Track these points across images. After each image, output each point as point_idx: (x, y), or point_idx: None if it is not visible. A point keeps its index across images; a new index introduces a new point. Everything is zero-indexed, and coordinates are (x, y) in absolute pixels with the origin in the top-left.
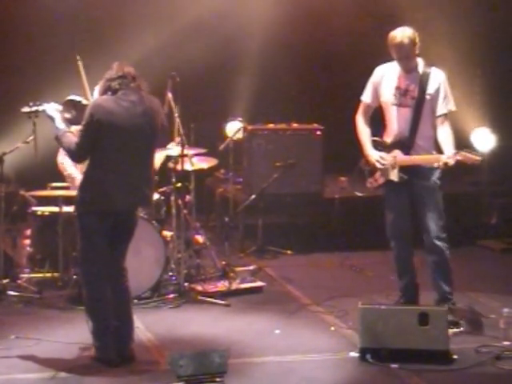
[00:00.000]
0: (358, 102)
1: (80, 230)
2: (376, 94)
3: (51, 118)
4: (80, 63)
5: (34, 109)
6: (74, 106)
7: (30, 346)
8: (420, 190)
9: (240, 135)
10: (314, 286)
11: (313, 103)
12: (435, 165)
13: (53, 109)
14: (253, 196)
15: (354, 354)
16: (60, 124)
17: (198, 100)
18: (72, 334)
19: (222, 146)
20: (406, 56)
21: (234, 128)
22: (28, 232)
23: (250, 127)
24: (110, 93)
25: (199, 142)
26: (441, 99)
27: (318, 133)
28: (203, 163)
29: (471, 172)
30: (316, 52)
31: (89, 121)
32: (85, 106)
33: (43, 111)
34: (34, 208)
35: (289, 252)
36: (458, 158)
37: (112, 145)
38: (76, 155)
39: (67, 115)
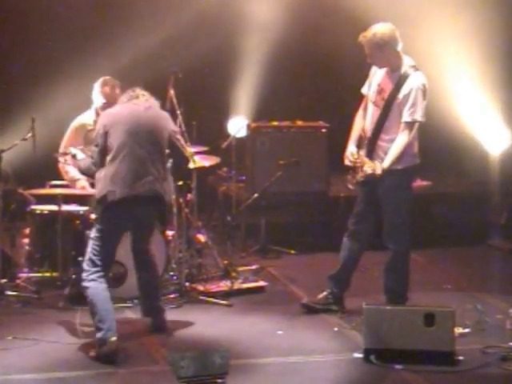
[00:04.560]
0: (362, 99)
1: (94, 229)
2: (370, 87)
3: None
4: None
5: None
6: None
7: (28, 346)
8: (381, 193)
9: (243, 133)
10: (317, 286)
11: (318, 100)
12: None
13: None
14: (256, 194)
15: (358, 355)
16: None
17: (200, 97)
18: (70, 335)
19: (224, 144)
20: (367, 53)
21: (236, 125)
22: (27, 231)
23: (253, 125)
24: None
25: (201, 140)
26: (407, 106)
27: (323, 130)
28: (205, 161)
29: (481, 171)
30: (321, 49)
31: (98, 128)
32: None
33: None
34: (33, 206)
35: (292, 251)
36: (368, 171)
37: (115, 141)
38: (93, 168)
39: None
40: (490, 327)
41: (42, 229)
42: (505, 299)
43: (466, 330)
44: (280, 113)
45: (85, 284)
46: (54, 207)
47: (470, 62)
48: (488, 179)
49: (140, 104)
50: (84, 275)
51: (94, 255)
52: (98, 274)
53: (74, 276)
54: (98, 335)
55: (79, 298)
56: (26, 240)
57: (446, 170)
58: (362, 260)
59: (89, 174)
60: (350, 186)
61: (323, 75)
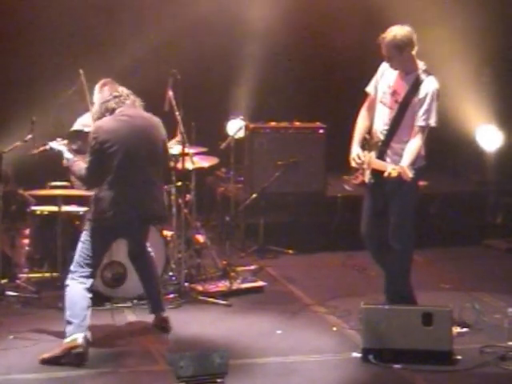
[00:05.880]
0: (361, 100)
1: (86, 235)
2: (377, 88)
3: (59, 152)
4: (83, 78)
5: (41, 149)
6: (77, 136)
7: (28, 346)
8: (387, 192)
9: (241, 134)
10: (316, 286)
11: (315, 101)
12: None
13: (58, 143)
14: (254, 195)
15: (357, 355)
16: (68, 154)
17: (199, 98)
18: None
19: (223, 145)
20: (386, 55)
21: (235, 126)
22: (27, 231)
23: (251, 125)
24: (107, 114)
25: (200, 141)
26: (422, 110)
27: (321, 131)
28: (204, 162)
29: (477, 171)
30: (319, 50)
31: (93, 144)
32: (87, 133)
33: (50, 149)
34: (33, 207)
35: (290, 251)
36: (394, 174)
37: (117, 160)
38: (87, 180)
39: (74, 146)
40: (488, 326)
41: (42, 229)
42: (502, 298)
43: (464, 330)
44: (278, 114)
45: (66, 282)
46: (53, 208)
47: (467, 62)
48: (484, 179)
49: (133, 116)
50: (69, 275)
51: (83, 258)
52: (82, 274)
53: None
54: (68, 329)
55: None
56: (26, 240)
57: (443, 170)
58: (361, 260)
59: (80, 180)
60: (348, 188)
61: (321, 76)
